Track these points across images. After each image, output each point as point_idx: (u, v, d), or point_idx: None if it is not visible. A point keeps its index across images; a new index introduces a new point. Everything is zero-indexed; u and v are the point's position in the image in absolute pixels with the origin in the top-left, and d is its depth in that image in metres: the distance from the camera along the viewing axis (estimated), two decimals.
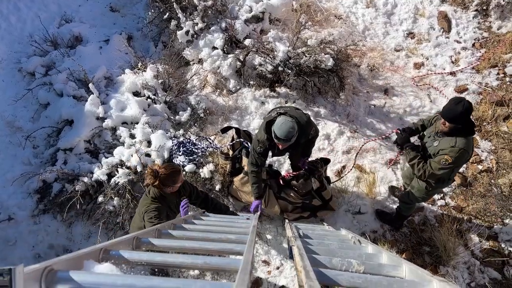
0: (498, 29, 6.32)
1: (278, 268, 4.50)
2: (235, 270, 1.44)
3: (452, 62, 6.17)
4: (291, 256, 2.33)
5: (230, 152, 4.86)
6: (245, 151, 4.69)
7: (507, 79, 5.80)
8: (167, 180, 3.27)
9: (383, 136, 5.10)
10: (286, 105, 5.63)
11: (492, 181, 5.11)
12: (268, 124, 3.69)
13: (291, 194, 4.46)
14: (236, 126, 5.24)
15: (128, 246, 1.74)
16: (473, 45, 6.29)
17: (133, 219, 3.71)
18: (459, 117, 3.36)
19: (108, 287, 1.15)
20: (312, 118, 4.31)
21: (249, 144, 4.70)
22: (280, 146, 3.69)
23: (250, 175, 4.07)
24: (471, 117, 3.46)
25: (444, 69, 6.10)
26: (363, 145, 5.07)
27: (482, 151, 5.30)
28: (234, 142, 4.82)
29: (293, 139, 3.57)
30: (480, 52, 6.18)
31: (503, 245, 4.69)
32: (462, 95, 5.79)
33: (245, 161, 4.59)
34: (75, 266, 1.29)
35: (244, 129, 5.20)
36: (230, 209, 4.29)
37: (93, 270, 1.32)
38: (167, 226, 2.34)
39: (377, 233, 4.80)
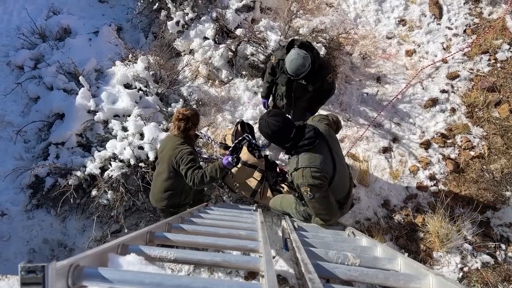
0: (489, 15, 6.31)
1: (274, 257, 4.53)
2: (256, 269, 1.45)
3: (444, 48, 6.17)
4: (286, 248, 2.33)
5: (229, 142, 4.85)
6: (246, 142, 4.69)
7: (498, 65, 5.82)
8: (195, 119, 3.66)
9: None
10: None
11: (484, 166, 5.15)
12: (289, 46, 3.77)
13: (284, 186, 4.47)
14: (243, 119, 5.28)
15: (142, 240, 1.74)
16: (465, 31, 6.28)
17: (157, 185, 3.81)
18: (272, 138, 2.88)
19: (135, 285, 1.15)
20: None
21: (250, 137, 4.71)
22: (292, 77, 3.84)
23: (265, 79, 4.45)
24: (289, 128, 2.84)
25: (436, 56, 6.10)
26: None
27: (474, 137, 5.34)
28: (236, 133, 4.81)
29: (302, 75, 3.69)
30: (471, 38, 6.19)
31: (495, 230, 4.75)
32: (454, 82, 5.81)
33: (244, 151, 4.59)
34: (100, 260, 1.30)
35: (247, 122, 5.18)
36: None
37: (119, 263, 1.32)
38: (176, 219, 2.35)
39: (371, 221, 4.84)
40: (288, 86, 4.12)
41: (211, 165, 3.48)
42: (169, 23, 6.08)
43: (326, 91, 4.16)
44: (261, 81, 5.89)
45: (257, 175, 4.50)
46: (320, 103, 4.37)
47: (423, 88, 5.85)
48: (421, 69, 5.89)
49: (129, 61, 5.79)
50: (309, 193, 2.76)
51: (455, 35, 6.25)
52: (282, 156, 5.26)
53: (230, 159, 3.49)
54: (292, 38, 3.89)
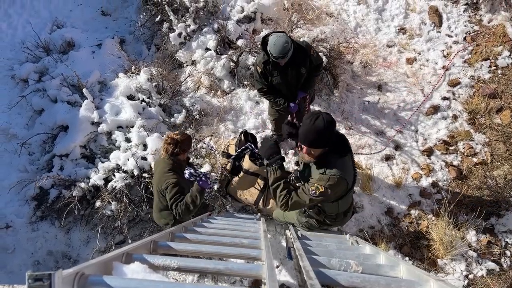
0: (488, 22, 6.35)
1: (277, 267, 4.52)
2: (258, 276, 1.46)
3: (444, 56, 6.20)
4: (290, 257, 2.34)
5: (232, 151, 4.87)
6: (249, 151, 4.71)
7: (499, 71, 5.84)
8: (185, 144, 3.52)
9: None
10: None
11: (487, 173, 5.15)
12: (264, 44, 3.81)
13: None
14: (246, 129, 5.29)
15: (146, 249, 1.76)
16: (465, 38, 6.32)
17: (154, 204, 3.82)
18: (323, 137, 2.60)
19: None
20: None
21: (252, 146, 4.72)
22: (281, 63, 3.85)
23: (260, 94, 4.37)
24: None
25: (437, 64, 6.13)
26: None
27: (476, 144, 5.34)
28: (239, 142, 4.83)
29: (289, 53, 3.69)
30: (472, 45, 6.22)
31: (499, 237, 4.73)
32: (455, 89, 5.82)
33: (245, 160, 4.62)
34: (105, 268, 1.32)
35: (250, 132, 5.19)
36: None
37: (124, 271, 1.34)
38: (179, 229, 2.37)
39: (375, 229, 4.83)
40: (285, 81, 4.09)
41: (189, 193, 3.35)
42: (171, 35, 6.15)
43: (316, 66, 4.11)
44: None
45: (259, 183, 4.52)
46: (312, 80, 4.25)
47: (424, 96, 5.87)
48: (435, 87, 5.86)
49: (132, 72, 5.85)
50: (318, 192, 2.67)
51: (455, 42, 6.29)
52: (284, 164, 5.26)
53: (204, 178, 3.37)
54: (262, 37, 3.91)
